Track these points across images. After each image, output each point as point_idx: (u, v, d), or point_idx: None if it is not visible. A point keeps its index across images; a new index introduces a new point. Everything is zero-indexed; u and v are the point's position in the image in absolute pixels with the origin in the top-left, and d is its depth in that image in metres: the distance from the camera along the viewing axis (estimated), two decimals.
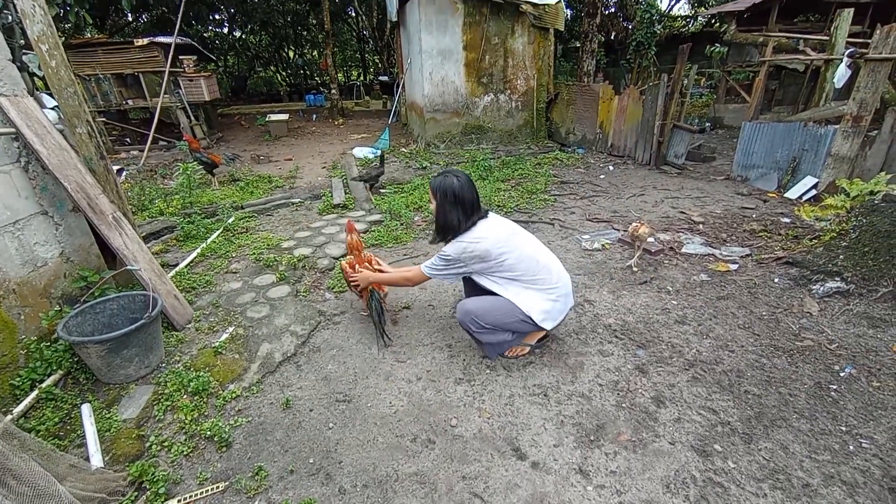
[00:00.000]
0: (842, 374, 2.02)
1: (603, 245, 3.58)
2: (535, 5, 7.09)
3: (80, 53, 7.63)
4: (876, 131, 3.99)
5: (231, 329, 2.60)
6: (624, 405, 1.96)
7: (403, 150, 7.69)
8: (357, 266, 2.57)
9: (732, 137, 8.23)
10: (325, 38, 11.66)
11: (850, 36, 5.84)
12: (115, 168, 5.60)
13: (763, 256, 3.09)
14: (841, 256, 2.62)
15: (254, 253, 3.68)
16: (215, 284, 3.17)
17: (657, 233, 3.81)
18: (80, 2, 6.99)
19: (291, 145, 8.98)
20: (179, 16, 7.40)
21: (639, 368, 2.18)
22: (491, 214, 2.22)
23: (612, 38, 15.41)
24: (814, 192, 4.42)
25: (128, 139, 8.93)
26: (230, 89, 18.86)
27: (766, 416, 1.84)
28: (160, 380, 2.16)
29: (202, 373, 2.19)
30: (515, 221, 4.24)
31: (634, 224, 3.14)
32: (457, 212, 2.09)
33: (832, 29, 5.39)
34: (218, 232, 4.09)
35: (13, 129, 1.96)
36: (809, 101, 9.10)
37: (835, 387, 1.96)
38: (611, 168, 6.21)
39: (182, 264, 3.43)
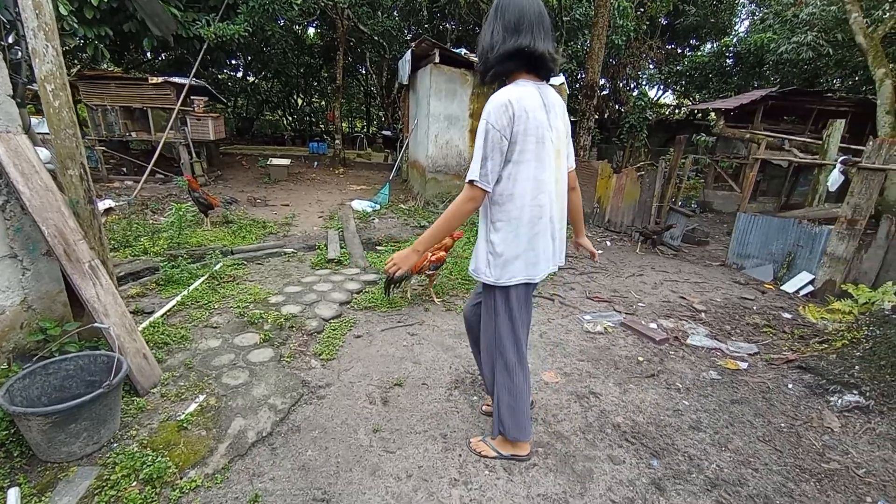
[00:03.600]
0: None
1: (605, 328, 3.45)
2: None
3: (93, 84, 7.71)
4: (872, 234, 4.09)
5: (202, 398, 2.32)
6: None
7: (402, 206, 7.70)
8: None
9: (722, 222, 8.49)
10: (334, 91, 12.12)
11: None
12: (104, 206, 5.42)
13: (772, 357, 2.98)
14: (856, 367, 2.52)
15: (238, 306, 3.44)
16: (191, 340, 2.90)
17: (660, 319, 3.71)
18: (100, 38, 7.17)
19: (290, 190, 8.97)
20: (198, 61, 7.61)
21: (655, 484, 1.96)
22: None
23: (606, 117, 16.41)
24: (810, 287, 4.44)
25: (124, 169, 8.83)
26: (236, 129, 19.26)
27: None
28: (108, 460, 1.86)
29: (160, 454, 1.89)
30: None
31: None
32: (495, 27, 1.49)
33: (824, 136, 5.77)
34: (203, 279, 3.87)
35: None
36: (791, 194, 9.56)
37: None
38: (608, 244, 6.24)
39: (158, 313, 3.17)
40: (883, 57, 7.39)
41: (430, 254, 3.65)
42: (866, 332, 2.64)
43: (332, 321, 3.41)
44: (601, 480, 1.97)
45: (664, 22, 15.95)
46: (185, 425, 2.09)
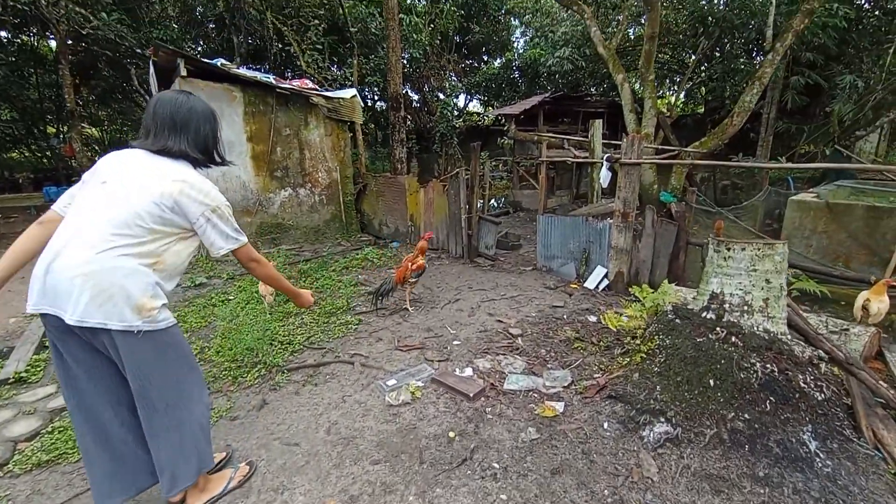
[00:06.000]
0: None
1: (413, 393, 2.74)
2: (328, 98, 6.67)
3: None
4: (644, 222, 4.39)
5: None
6: None
7: None
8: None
9: (532, 221, 9.01)
10: (68, 117, 9.15)
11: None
12: None
13: (585, 386, 2.68)
14: (658, 388, 2.31)
15: None
16: None
17: (476, 359, 3.20)
18: None
19: None
20: None
21: None
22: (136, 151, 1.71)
23: (424, 127, 16.70)
24: (606, 281, 4.61)
25: None
26: None
27: None
28: None
29: None
30: (306, 362, 3.17)
31: None
32: None
33: (589, 135, 6.38)
34: None
35: None
36: (580, 186, 10.86)
37: None
38: (426, 266, 5.75)
39: None
40: (619, 65, 8.79)
41: (410, 263, 4.00)
42: (658, 343, 2.49)
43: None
44: None
45: (457, 39, 17.00)
46: None
